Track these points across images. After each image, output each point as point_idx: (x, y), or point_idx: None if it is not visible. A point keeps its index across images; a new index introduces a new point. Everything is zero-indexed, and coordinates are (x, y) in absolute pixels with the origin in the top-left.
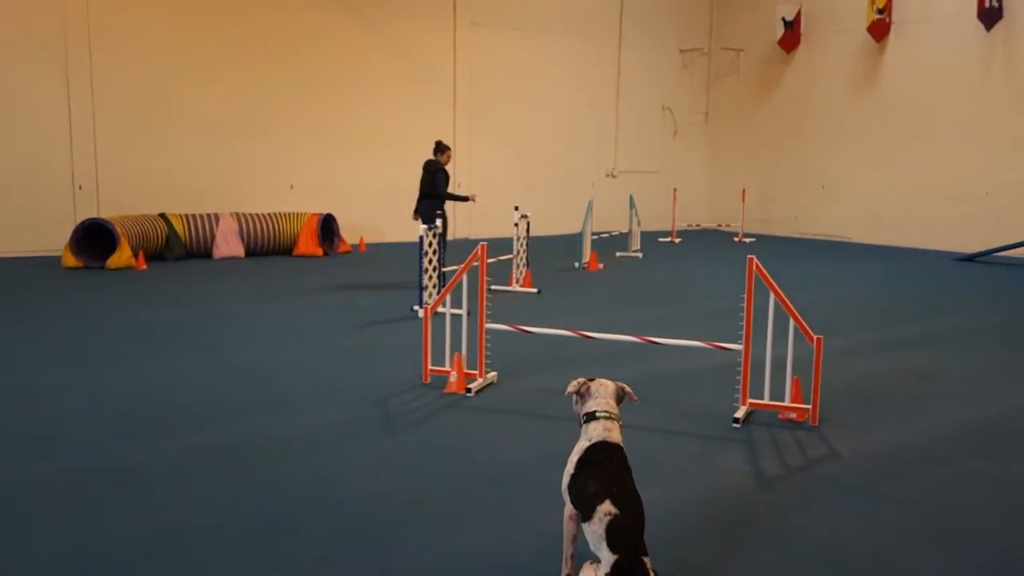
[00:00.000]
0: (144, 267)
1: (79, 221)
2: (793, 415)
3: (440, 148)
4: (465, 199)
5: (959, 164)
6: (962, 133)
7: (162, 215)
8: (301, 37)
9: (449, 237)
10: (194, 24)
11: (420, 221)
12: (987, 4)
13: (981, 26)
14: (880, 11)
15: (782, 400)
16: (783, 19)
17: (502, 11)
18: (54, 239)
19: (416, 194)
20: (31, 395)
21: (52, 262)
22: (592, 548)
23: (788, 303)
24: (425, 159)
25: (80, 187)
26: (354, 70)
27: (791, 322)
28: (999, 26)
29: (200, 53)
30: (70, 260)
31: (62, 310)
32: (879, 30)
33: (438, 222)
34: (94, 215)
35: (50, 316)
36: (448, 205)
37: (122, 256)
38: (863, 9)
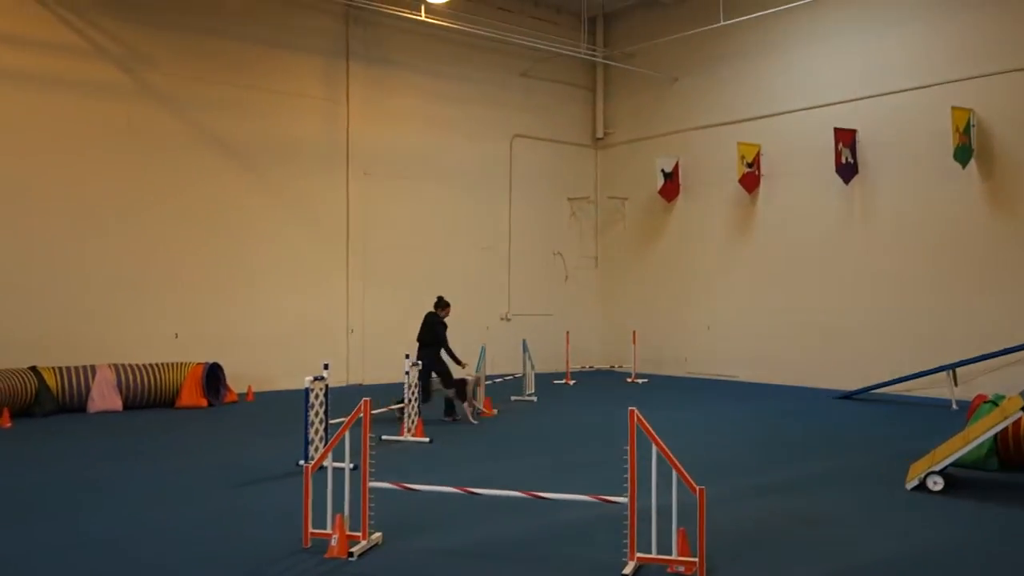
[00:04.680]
0: (8, 425)
1: None
2: (681, 568)
3: (440, 304)
4: (459, 362)
5: (827, 305)
6: (828, 277)
7: (33, 368)
8: (187, 184)
9: (339, 383)
10: (71, 170)
11: (420, 367)
12: (843, 160)
13: (840, 179)
14: (749, 165)
15: (670, 552)
16: (662, 170)
17: (394, 161)
18: None
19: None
20: None
21: None
22: None
23: (670, 455)
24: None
25: None
26: (243, 218)
27: (674, 472)
28: (856, 180)
29: (77, 200)
30: None
31: None
32: (750, 182)
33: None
34: None
35: None
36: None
37: None
38: (735, 162)
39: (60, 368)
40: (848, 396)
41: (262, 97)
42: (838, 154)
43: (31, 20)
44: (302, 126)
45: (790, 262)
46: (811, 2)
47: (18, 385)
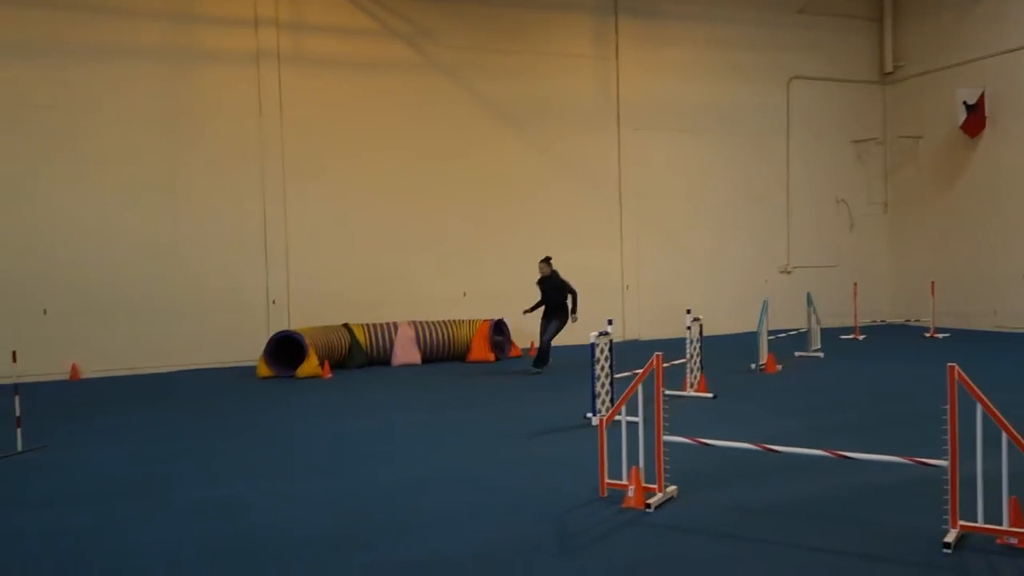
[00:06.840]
0: (329, 375)
1: (272, 333)
2: (1014, 540)
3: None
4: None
5: None
6: None
7: (345, 325)
8: (469, 149)
9: (616, 339)
10: (374, 150)
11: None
12: None
13: None
14: None
15: (998, 522)
16: (964, 103)
17: (663, 115)
18: (251, 350)
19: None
20: (231, 506)
21: (249, 371)
22: None
23: (1000, 416)
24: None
25: (274, 302)
26: (520, 178)
27: (1003, 435)
28: None
29: (379, 175)
30: (264, 370)
31: (254, 420)
32: None
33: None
34: (285, 327)
35: (243, 426)
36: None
37: (310, 366)
38: None
39: (368, 325)
40: None
41: (534, 60)
42: None
43: (335, 9)
44: (573, 85)
45: None
46: None
47: (335, 341)
